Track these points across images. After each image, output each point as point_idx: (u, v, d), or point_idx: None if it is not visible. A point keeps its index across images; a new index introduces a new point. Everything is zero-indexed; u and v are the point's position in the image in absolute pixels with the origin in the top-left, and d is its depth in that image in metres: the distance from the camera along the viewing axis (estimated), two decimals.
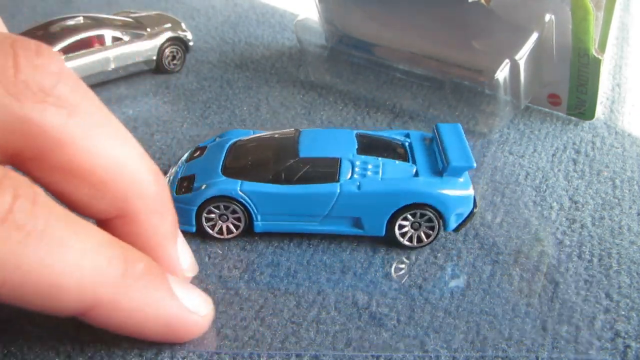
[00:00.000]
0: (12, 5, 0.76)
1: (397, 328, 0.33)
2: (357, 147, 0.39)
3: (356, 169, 0.37)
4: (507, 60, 0.49)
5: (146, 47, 0.58)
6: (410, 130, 0.43)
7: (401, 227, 0.37)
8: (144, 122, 0.52)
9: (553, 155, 0.49)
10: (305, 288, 0.35)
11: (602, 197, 0.44)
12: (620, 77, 0.63)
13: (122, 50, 0.56)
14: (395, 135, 0.42)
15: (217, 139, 0.43)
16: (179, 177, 0.40)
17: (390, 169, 0.38)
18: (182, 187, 0.39)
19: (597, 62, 0.50)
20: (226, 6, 0.78)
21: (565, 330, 0.33)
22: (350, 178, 0.37)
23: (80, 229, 0.26)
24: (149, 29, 0.59)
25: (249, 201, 0.37)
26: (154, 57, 0.59)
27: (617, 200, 0.44)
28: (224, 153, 0.40)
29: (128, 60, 0.57)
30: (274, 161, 0.38)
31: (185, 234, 0.35)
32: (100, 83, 0.56)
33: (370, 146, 0.39)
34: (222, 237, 0.38)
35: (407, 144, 0.41)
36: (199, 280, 0.35)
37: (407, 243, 0.38)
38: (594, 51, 0.49)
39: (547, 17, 0.50)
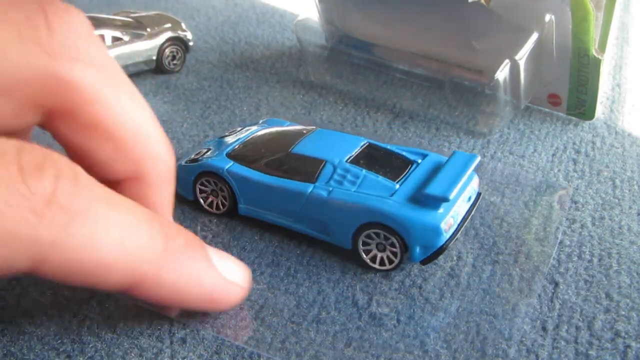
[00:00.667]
0: None
1: (397, 328, 0.33)
2: (352, 155, 0.38)
3: (335, 175, 0.37)
4: (507, 60, 0.49)
5: (146, 47, 0.58)
6: (432, 153, 0.40)
7: (365, 244, 0.36)
8: None
9: (553, 155, 0.49)
10: (305, 288, 0.35)
11: (602, 197, 0.44)
12: (620, 77, 0.63)
13: (122, 50, 0.56)
14: (412, 153, 0.40)
15: (259, 125, 0.46)
16: (203, 147, 0.43)
17: (368, 183, 0.36)
18: (194, 158, 0.42)
19: (597, 62, 0.50)
20: (226, 6, 0.78)
21: (565, 330, 0.33)
22: (327, 183, 0.37)
23: (121, 206, 0.27)
24: (149, 29, 0.59)
25: (233, 182, 0.39)
26: (154, 57, 0.59)
27: (617, 200, 0.44)
28: (242, 138, 0.42)
29: (128, 60, 0.57)
30: (270, 152, 0.39)
31: None
32: None
33: (367, 157, 0.38)
34: (211, 210, 0.41)
35: (414, 163, 0.39)
36: None
37: (369, 262, 0.36)
38: (594, 51, 0.49)
39: (547, 17, 0.50)
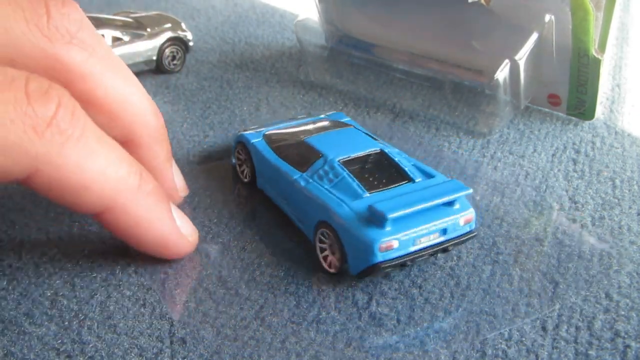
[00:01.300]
0: None
1: (397, 328, 0.33)
2: (350, 156, 0.38)
3: (321, 170, 0.37)
4: (507, 61, 0.49)
5: (146, 47, 0.58)
6: (440, 175, 0.38)
7: (321, 241, 0.36)
8: None
9: (553, 155, 0.49)
10: (305, 288, 0.35)
11: (602, 197, 0.44)
12: (620, 77, 0.63)
13: (122, 50, 0.56)
14: (420, 171, 0.38)
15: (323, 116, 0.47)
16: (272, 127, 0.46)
17: (342, 185, 0.36)
18: (250, 129, 0.45)
19: (597, 62, 0.50)
20: (226, 6, 0.78)
21: (565, 330, 0.33)
22: (312, 175, 0.37)
23: (108, 142, 0.32)
24: (149, 29, 0.59)
25: (254, 156, 0.42)
26: (154, 57, 0.59)
27: (617, 200, 0.44)
28: (288, 124, 0.45)
29: (128, 61, 0.57)
30: (291, 138, 0.42)
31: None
32: None
33: (365, 162, 0.38)
34: (242, 178, 0.44)
35: (411, 181, 0.37)
36: (198, 280, 0.36)
37: (320, 260, 0.36)
38: (593, 51, 0.49)
39: (547, 17, 0.50)
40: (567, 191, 0.45)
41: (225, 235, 0.39)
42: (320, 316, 0.33)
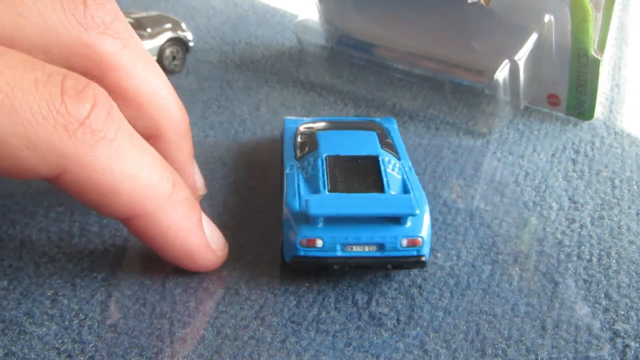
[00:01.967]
0: None
1: (397, 328, 0.33)
2: (340, 155, 0.38)
3: (306, 162, 0.38)
4: (506, 61, 0.49)
5: (146, 47, 0.58)
6: (419, 190, 0.36)
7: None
8: None
9: (552, 155, 0.49)
10: (305, 288, 0.35)
11: (601, 197, 0.44)
12: (620, 77, 0.63)
13: None
14: (405, 185, 0.37)
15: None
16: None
17: (312, 179, 0.36)
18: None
19: (597, 63, 0.50)
20: (226, 6, 0.78)
21: (565, 330, 0.33)
22: (300, 165, 0.39)
23: (142, 146, 0.31)
24: (149, 29, 0.59)
25: (283, 138, 0.44)
26: (154, 58, 0.59)
27: (616, 200, 0.44)
28: (332, 119, 0.47)
29: None
30: (314, 129, 0.43)
31: None
32: None
33: (350, 162, 0.38)
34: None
35: (385, 191, 0.36)
36: (198, 280, 0.36)
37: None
38: (593, 51, 0.49)
39: (547, 17, 0.50)
40: (566, 191, 0.45)
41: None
42: (320, 316, 0.33)
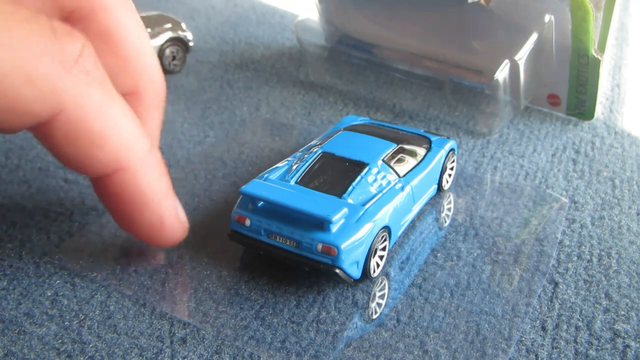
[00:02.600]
0: None
1: (397, 328, 0.33)
2: (337, 155, 0.39)
3: (306, 152, 0.40)
4: (506, 61, 0.49)
5: None
6: (338, 202, 0.35)
7: None
8: None
9: (553, 155, 0.49)
10: (305, 288, 0.35)
11: (601, 197, 0.44)
12: (620, 77, 0.63)
13: None
14: (370, 198, 0.36)
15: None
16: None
17: (294, 168, 0.38)
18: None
19: (597, 63, 0.50)
20: (226, 6, 0.78)
21: (565, 330, 0.33)
22: (301, 153, 0.40)
23: (121, 98, 0.31)
24: (149, 29, 0.59)
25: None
26: None
27: (616, 200, 0.44)
28: (383, 124, 0.46)
29: None
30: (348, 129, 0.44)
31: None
32: None
33: (338, 163, 0.38)
34: None
35: (343, 197, 0.36)
36: (198, 280, 0.36)
37: None
38: (593, 51, 0.49)
39: (547, 17, 0.50)
40: (566, 191, 0.45)
41: (225, 235, 0.39)
42: (320, 316, 0.33)
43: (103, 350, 0.31)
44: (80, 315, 0.33)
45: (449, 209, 0.42)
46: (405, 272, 0.37)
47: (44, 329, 0.32)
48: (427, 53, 0.54)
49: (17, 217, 0.40)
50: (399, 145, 0.40)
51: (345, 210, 0.34)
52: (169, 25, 0.60)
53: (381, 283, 0.36)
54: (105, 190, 0.33)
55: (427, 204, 0.42)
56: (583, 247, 0.39)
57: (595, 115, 0.53)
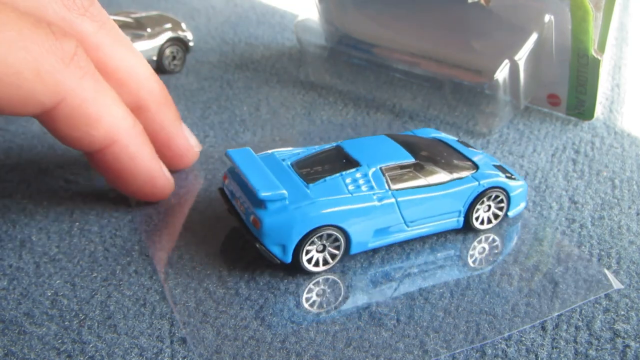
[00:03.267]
0: None
1: (397, 328, 0.33)
2: (343, 150, 0.39)
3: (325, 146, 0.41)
4: (506, 61, 0.49)
5: (146, 47, 0.58)
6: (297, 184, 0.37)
7: None
8: None
9: (552, 155, 0.49)
10: (305, 288, 0.35)
11: (601, 197, 0.44)
12: (620, 77, 0.63)
13: None
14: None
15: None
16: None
17: (303, 153, 0.40)
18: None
19: (597, 63, 0.50)
20: (226, 6, 0.78)
21: (565, 330, 0.33)
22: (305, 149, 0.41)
23: (108, 86, 0.37)
24: (149, 29, 0.59)
25: None
26: (154, 58, 0.59)
27: (616, 200, 0.44)
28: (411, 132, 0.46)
29: None
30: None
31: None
32: None
33: (338, 158, 0.38)
34: None
35: (306, 187, 0.37)
36: (198, 280, 0.36)
37: None
38: (593, 51, 0.49)
39: (547, 17, 0.50)
40: (566, 191, 0.45)
41: (225, 235, 0.39)
42: (320, 316, 0.33)
43: (103, 350, 0.31)
44: (80, 315, 0.33)
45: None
46: (405, 272, 0.37)
47: (44, 329, 0.32)
48: (427, 53, 0.54)
49: (17, 217, 0.40)
50: (416, 162, 0.38)
51: (282, 192, 0.35)
52: (169, 25, 0.60)
53: (381, 283, 0.36)
54: (101, 161, 0.38)
55: (440, 232, 0.39)
56: (583, 247, 0.39)
57: (595, 115, 0.53)
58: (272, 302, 0.34)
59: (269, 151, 0.40)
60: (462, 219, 0.39)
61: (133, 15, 0.61)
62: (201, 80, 0.60)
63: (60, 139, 0.37)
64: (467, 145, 0.43)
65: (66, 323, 0.33)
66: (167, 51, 0.59)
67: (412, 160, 0.38)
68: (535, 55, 0.50)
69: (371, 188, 0.37)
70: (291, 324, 0.33)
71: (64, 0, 0.36)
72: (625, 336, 0.33)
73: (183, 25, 0.61)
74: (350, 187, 0.36)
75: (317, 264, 0.36)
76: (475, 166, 0.40)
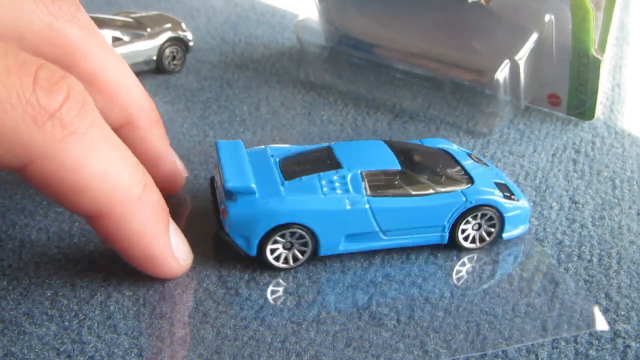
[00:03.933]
0: None
1: (397, 328, 0.33)
2: (332, 150, 0.39)
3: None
4: (507, 61, 0.49)
5: (146, 47, 0.58)
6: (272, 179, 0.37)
7: None
8: None
9: (553, 155, 0.49)
10: (305, 288, 0.35)
11: (601, 197, 0.44)
12: (620, 77, 0.63)
13: (122, 50, 0.56)
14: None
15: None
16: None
17: (290, 151, 0.40)
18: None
19: (597, 62, 0.50)
20: (226, 6, 0.78)
21: (565, 330, 0.33)
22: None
23: (115, 144, 0.31)
24: (149, 29, 0.59)
25: None
26: (154, 57, 0.59)
27: (616, 200, 0.44)
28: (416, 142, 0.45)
29: (128, 61, 0.56)
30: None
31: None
32: None
33: (324, 158, 0.38)
34: None
35: (282, 183, 0.37)
36: (198, 280, 0.36)
37: None
38: (593, 51, 0.49)
39: (547, 17, 0.50)
40: (567, 191, 0.45)
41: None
42: (320, 316, 0.33)
43: (103, 350, 0.31)
44: (80, 315, 0.33)
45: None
46: (405, 272, 0.37)
47: (44, 329, 0.32)
48: (427, 53, 0.54)
49: (17, 217, 0.40)
50: (401, 170, 0.37)
51: (250, 185, 0.35)
52: (169, 25, 0.60)
53: (381, 283, 0.36)
54: (91, 227, 0.32)
55: (421, 245, 0.38)
56: (583, 247, 0.39)
57: (596, 115, 0.53)
58: (272, 302, 0.34)
59: (262, 146, 0.40)
60: (446, 234, 0.37)
61: (133, 15, 0.61)
62: (201, 80, 0.60)
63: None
64: (478, 160, 0.41)
65: (66, 323, 0.33)
66: (167, 51, 0.59)
67: (397, 168, 0.37)
68: (536, 55, 0.50)
69: (346, 191, 0.36)
70: (291, 324, 0.33)
71: (50, 8, 0.33)
72: (626, 336, 0.33)
73: (183, 25, 0.61)
74: (325, 189, 0.36)
75: (286, 261, 0.36)
76: (471, 181, 0.38)
